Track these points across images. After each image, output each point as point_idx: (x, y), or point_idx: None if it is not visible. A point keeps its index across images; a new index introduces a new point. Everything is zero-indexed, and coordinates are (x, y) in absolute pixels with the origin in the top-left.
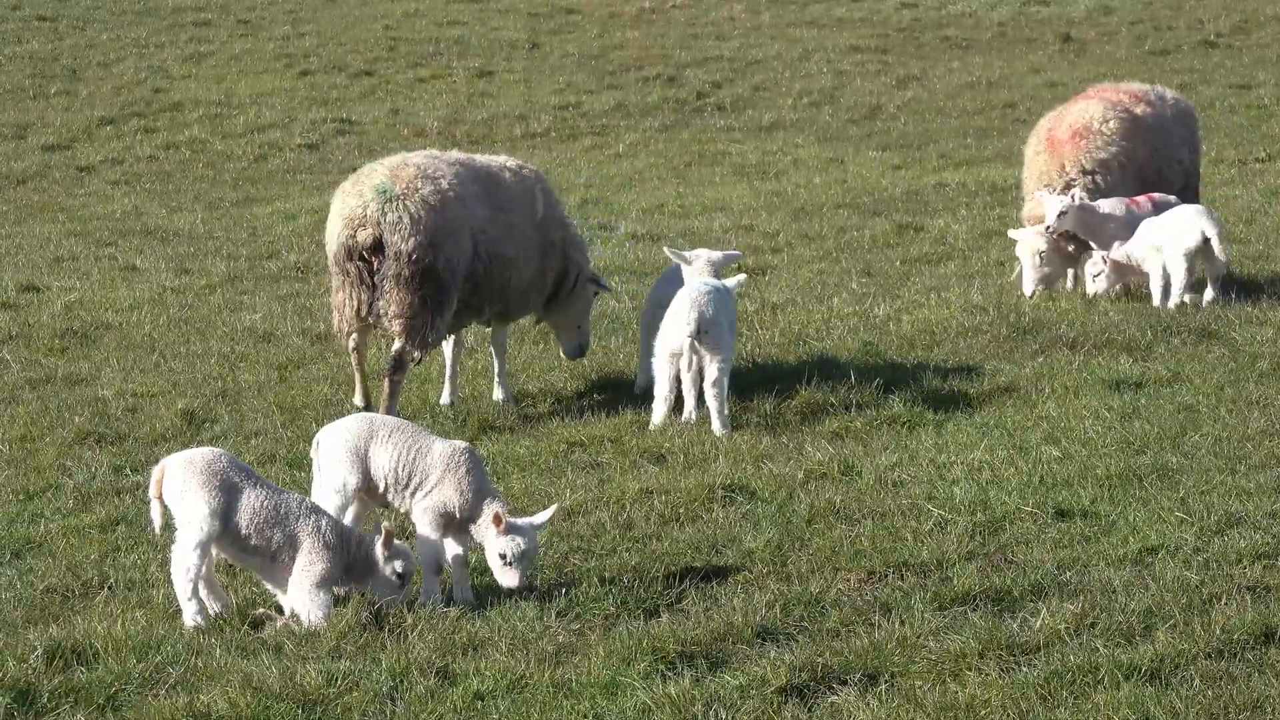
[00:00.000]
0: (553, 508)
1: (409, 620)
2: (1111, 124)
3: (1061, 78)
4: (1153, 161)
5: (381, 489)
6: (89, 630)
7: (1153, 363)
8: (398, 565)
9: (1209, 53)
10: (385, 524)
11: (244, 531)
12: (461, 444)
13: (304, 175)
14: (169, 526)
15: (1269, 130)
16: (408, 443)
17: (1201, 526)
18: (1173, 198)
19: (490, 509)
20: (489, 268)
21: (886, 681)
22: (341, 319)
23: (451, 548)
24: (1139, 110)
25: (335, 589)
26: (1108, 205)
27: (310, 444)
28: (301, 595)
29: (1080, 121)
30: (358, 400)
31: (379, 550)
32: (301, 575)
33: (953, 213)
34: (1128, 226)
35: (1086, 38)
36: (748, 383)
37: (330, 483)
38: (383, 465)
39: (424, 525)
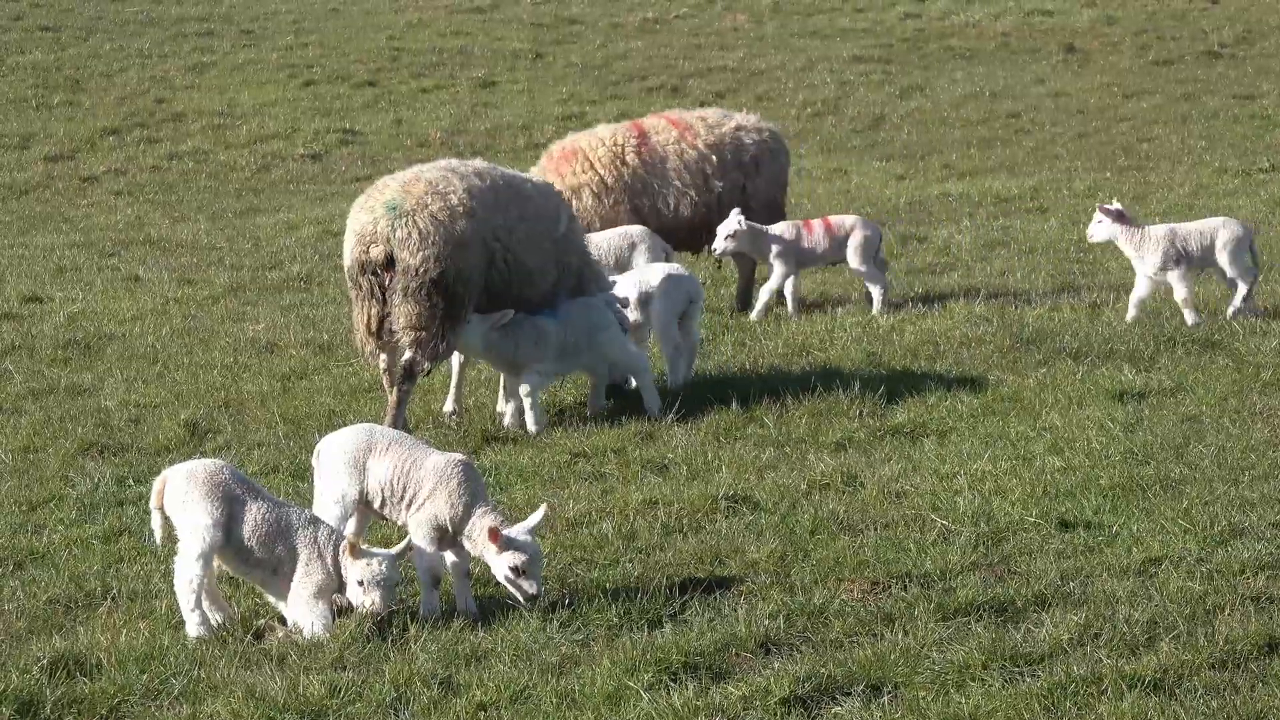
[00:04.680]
0: (541, 509)
1: (412, 631)
2: (600, 152)
3: (1065, 88)
4: (652, 190)
5: (378, 502)
6: (92, 641)
7: (1156, 373)
8: (368, 589)
9: (1212, 63)
10: (349, 538)
11: (246, 544)
12: (457, 456)
13: (307, 185)
14: (170, 538)
15: (1273, 140)
16: (404, 455)
17: (1205, 537)
18: (849, 219)
19: (483, 523)
20: (507, 277)
21: (890, 692)
22: (359, 335)
23: (452, 560)
24: (656, 139)
25: (336, 599)
26: (778, 228)
27: (312, 455)
28: (300, 606)
29: (578, 144)
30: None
31: (354, 575)
32: (299, 586)
33: (956, 223)
34: (796, 248)
35: (1090, 48)
36: (751, 392)
37: (330, 494)
38: (380, 477)
39: (418, 538)
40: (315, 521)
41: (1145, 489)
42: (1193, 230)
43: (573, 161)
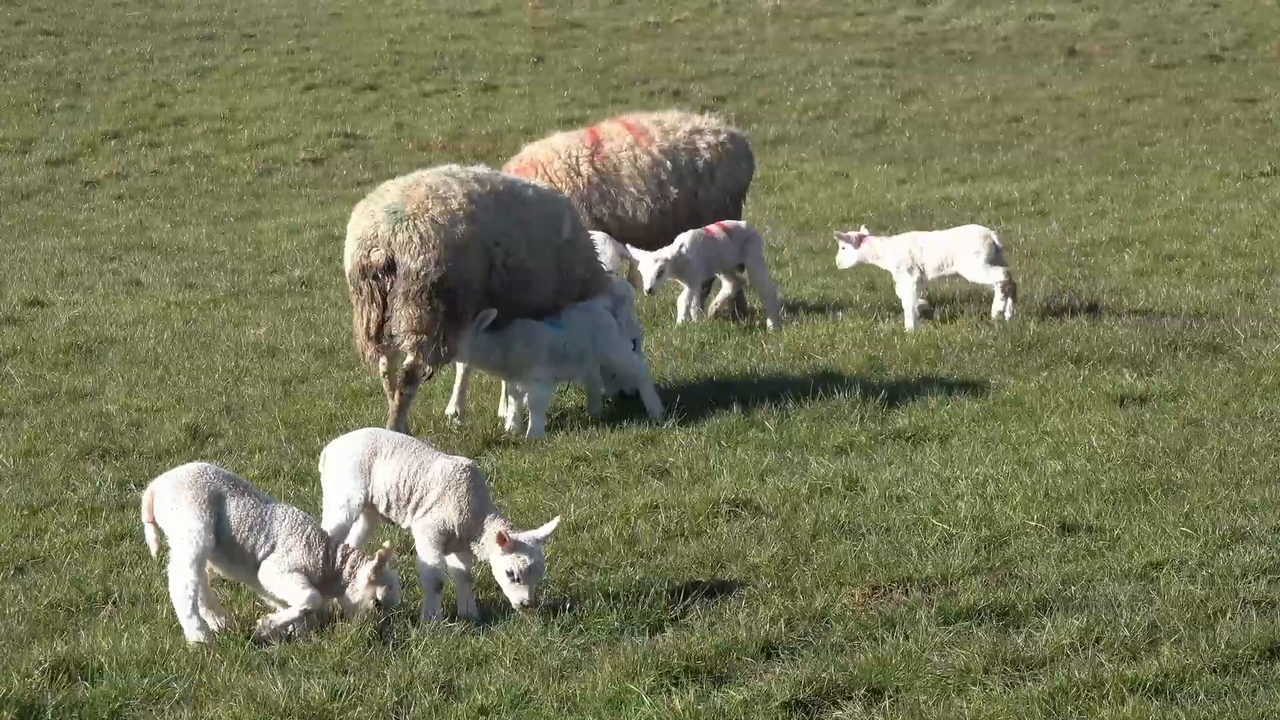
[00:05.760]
0: (555, 521)
1: (413, 635)
2: (556, 165)
3: (1066, 91)
4: (610, 198)
5: (384, 506)
6: (93, 645)
7: (1157, 377)
8: (379, 593)
9: (1214, 66)
10: (383, 548)
11: (233, 541)
12: (464, 461)
13: (308, 189)
14: (165, 548)
15: (1274, 144)
16: (410, 459)
17: (1206, 541)
18: (743, 223)
19: (492, 528)
20: (507, 281)
21: (891, 697)
22: (360, 340)
23: (454, 564)
24: (610, 146)
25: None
26: (687, 239)
27: (314, 459)
28: (277, 579)
29: (536, 157)
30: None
31: (365, 574)
32: (276, 561)
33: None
34: (707, 256)
35: (1091, 51)
36: (752, 397)
37: (336, 498)
38: (385, 481)
39: (423, 543)
40: (305, 518)
41: (1146, 493)
42: (932, 239)
43: (530, 176)
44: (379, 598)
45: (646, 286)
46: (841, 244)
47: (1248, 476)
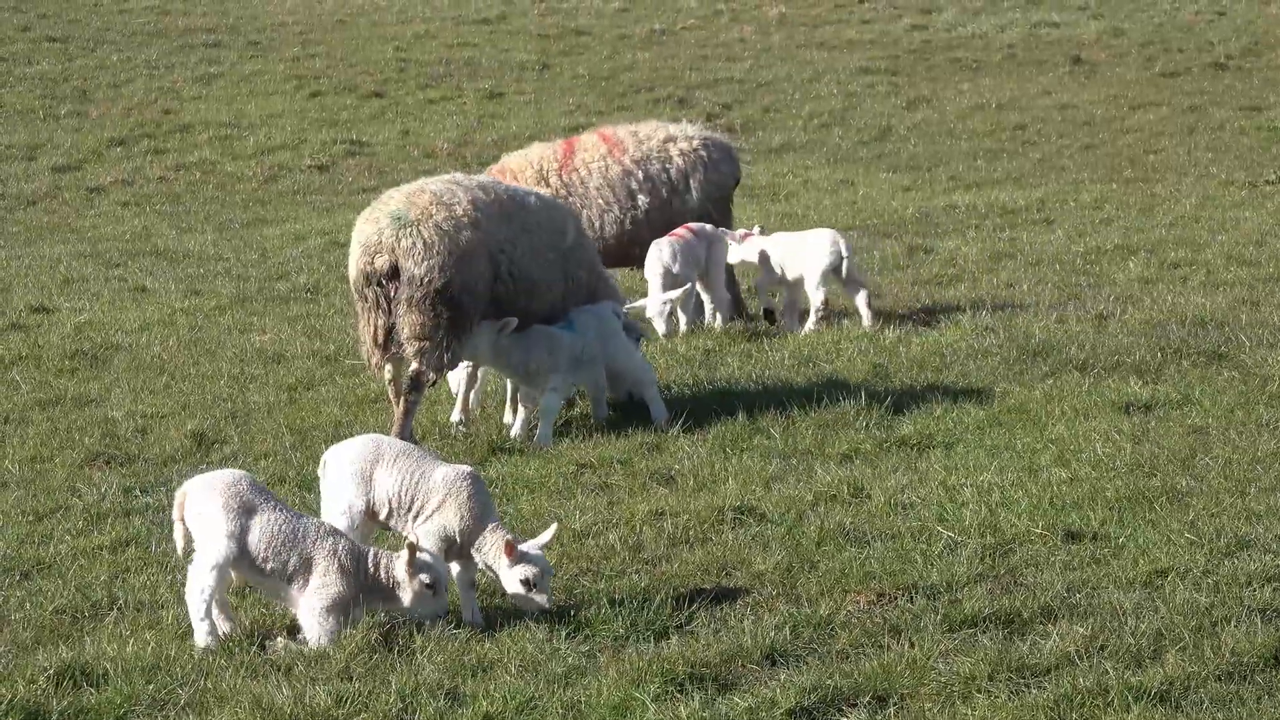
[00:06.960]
0: (552, 527)
1: (418, 642)
2: (527, 174)
3: (1071, 99)
4: (577, 208)
5: (384, 513)
6: (98, 651)
7: (1162, 385)
8: (425, 577)
9: (1219, 75)
10: (410, 539)
11: (260, 555)
12: (465, 468)
13: (314, 196)
14: (191, 549)
15: (1279, 152)
16: (411, 467)
17: (1211, 549)
18: (708, 226)
19: (497, 537)
20: (511, 288)
21: (896, 704)
22: (366, 347)
23: (457, 571)
24: (581, 157)
25: (362, 611)
26: (665, 250)
27: (319, 466)
28: (310, 617)
29: (508, 166)
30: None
31: (401, 568)
32: (313, 597)
33: (962, 234)
34: (683, 260)
35: (1096, 59)
36: (757, 404)
37: (337, 505)
38: (387, 489)
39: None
40: (335, 534)
41: (1151, 501)
42: (786, 241)
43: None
44: (426, 581)
45: (661, 331)
46: (729, 240)
47: (1253, 484)
